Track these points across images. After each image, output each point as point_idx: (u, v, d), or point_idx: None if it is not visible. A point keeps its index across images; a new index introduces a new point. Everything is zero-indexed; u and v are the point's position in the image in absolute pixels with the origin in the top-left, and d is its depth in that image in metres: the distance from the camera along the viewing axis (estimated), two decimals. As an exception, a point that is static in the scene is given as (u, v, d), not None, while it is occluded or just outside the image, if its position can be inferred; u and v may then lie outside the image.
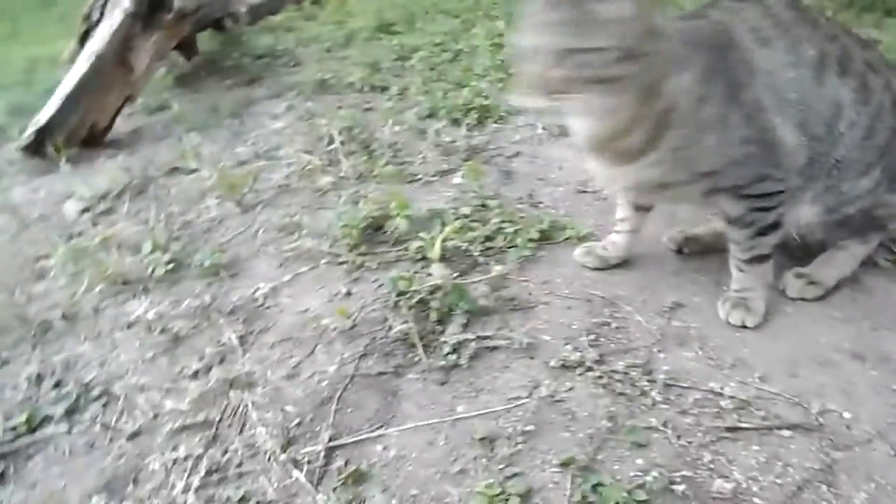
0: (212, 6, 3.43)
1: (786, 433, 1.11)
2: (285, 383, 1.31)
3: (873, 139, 1.31)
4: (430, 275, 1.49)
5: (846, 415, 1.13)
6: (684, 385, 1.21)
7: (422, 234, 1.67)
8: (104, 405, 1.31)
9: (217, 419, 1.24)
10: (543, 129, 2.36)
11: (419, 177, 2.10)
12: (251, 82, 3.31)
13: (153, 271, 1.68)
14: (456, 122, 2.47)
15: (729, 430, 1.12)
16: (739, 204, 1.27)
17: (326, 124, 2.50)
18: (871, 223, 1.39)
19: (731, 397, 1.17)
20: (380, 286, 1.56)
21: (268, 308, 1.56)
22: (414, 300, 1.45)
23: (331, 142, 2.37)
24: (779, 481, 1.02)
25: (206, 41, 3.86)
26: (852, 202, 1.33)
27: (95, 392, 1.34)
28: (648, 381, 1.22)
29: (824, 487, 1.01)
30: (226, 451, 1.17)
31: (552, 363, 1.28)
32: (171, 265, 1.70)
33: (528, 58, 1.09)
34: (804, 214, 1.35)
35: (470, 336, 1.36)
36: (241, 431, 1.21)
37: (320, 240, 1.76)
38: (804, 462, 1.05)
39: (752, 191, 1.25)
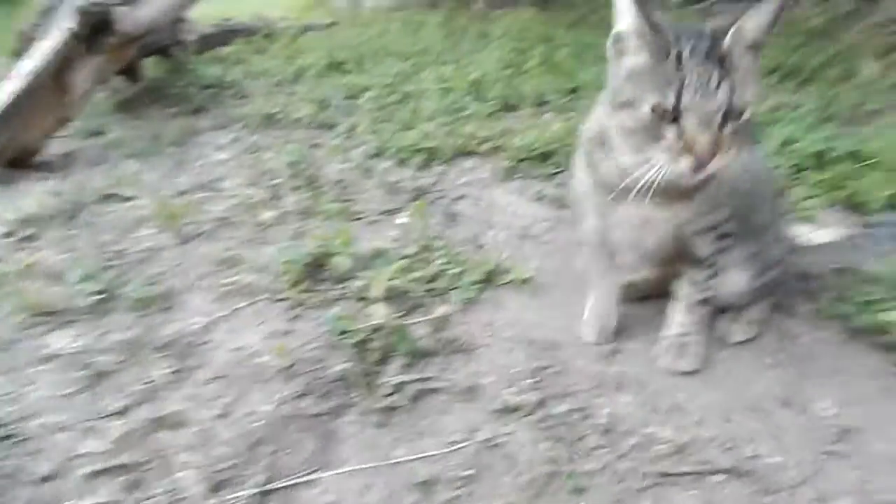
0: (159, 33, 3.37)
1: (719, 478, 1.13)
2: (217, 423, 1.25)
3: (780, 214, 1.50)
4: (371, 314, 1.47)
5: (775, 460, 1.17)
6: (622, 430, 1.23)
7: (364, 273, 1.66)
8: (14, 445, 1.21)
9: (140, 462, 1.17)
10: (488, 173, 2.41)
11: (364, 215, 2.09)
12: (196, 112, 3.25)
13: (79, 302, 1.59)
14: (402, 163, 2.49)
15: (666, 474, 1.13)
16: (714, 244, 1.33)
17: (272, 158, 2.48)
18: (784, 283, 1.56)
19: (668, 442, 1.19)
20: (320, 324, 1.53)
21: (202, 344, 1.50)
22: (355, 340, 1.42)
23: (275, 176, 2.34)
24: (712, 527, 1.04)
25: (152, 68, 3.78)
26: (773, 267, 1.46)
27: (4, 431, 1.24)
28: (588, 425, 1.23)
29: (755, 532, 1.03)
30: (148, 497, 1.10)
31: (493, 406, 1.28)
32: (99, 296, 1.62)
33: (697, 124, 1.03)
34: (737, 279, 1.43)
35: (411, 377, 1.35)
36: (165, 475, 1.14)
37: (260, 275, 1.72)
38: (735, 507, 1.08)
39: (725, 228, 1.32)
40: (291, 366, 1.40)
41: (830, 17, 4.93)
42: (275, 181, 2.32)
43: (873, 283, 1.67)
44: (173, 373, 1.38)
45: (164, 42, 3.58)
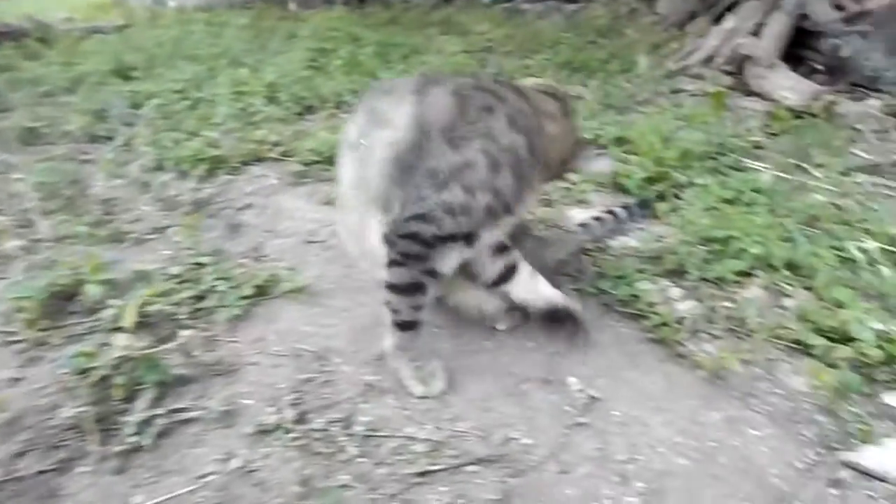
0: None
1: (472, 468, 1.14)
2: None
3: None
4: (115, 346, 1.32)
5: (526, 441, 1.21)
6: (383, 434, 1.21)
7: (120, 301, 1.50)
8: None
9: None
10: (277, 178, 2.31)
11: (132, 235, 1.90)
12: (-63, 129, 2.79)
13: None
14: (184, 174, 2.31)
15: (420, 474, 1.12)
16: None
17: (23, 179, 2.18)
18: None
19: (426, 440, 1.19)
20: (60, 365, 1.35)
21: None
22: (95, 378, 1.27)
23: (28, 199, 2.07)
24: (460, 520, 1.05)
25: None
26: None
27: None
28: (347, 435, 1.19)
29: (499, 518, 1.05)
30: None
31: (249, 430, 1.20)
32: None
33: None
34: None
35: (160, 411, 1.23)
36: None
37: (-11, 316, 1.49)
38: (484, 495, 1.09)
39: None
40: (14, 420, 1.21)
41: (614, 16, 5.42)
42: (26, 205, 2.04)
43: (628, 257, 1.82)
44: None
45: None
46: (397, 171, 1.20)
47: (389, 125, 1.23)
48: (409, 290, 1.23)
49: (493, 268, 1.40)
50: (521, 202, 1.29)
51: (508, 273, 1.42)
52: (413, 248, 1.19)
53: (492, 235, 1.28)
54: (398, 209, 1.21)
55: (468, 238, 1.22)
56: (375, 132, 1.25)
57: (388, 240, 1.21)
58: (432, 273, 1.21)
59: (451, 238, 1.19)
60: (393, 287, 1.23)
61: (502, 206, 1.23)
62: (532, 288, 1.44)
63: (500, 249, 1.40)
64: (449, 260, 1.22)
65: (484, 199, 1.18)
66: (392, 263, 1.22)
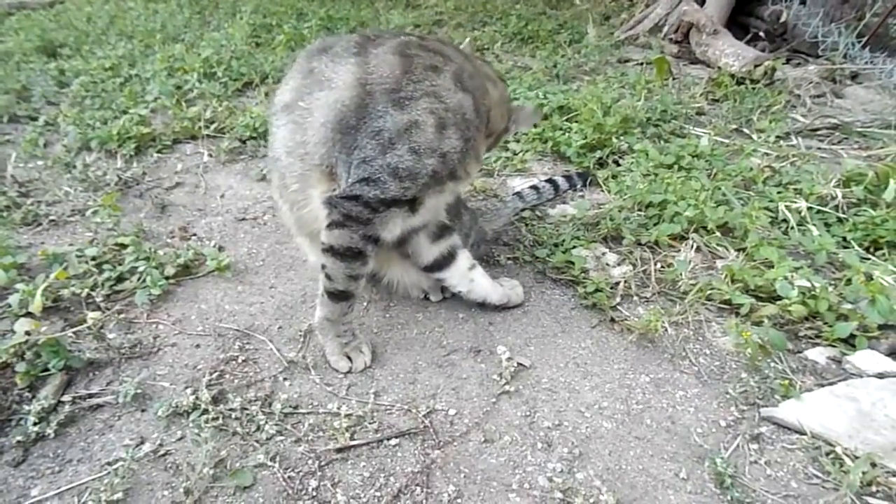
0: None
1: (394, 442, 1.12)
2: None
3: None
4: (20, 332, 1.25)
5: (451, 412, 1.18)
6: (303, 411, 1.17)
7: (30, 286, 1.42)
8: None
9: None
10: (210, 155, 2.23)
11: (51, 217, 1.80)
12: None
13: None
14: (111, 154, 2.21)
15: (340, 450, 1.09)
16: None
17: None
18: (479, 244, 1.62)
19: (348, 415, 1.15)
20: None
21: None
22: (-5, 366, 1.20)
23: (-63, 183, 1.95)
24: (379, 494, 1.02)
25: None
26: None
27: None
28: (266, 413, 1.15)
29: (419, 489, 1.03)
30: None
31: (164, 413, 1.15)
32: None
33: None
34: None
35: (67, 398, 1.17)
36: None
37: None
38: (405, 468, 1.07)
39: None
40: None
41: (564, -14, 5.37)
42: (-64, 190, 1.92)
43: (565, 225, 1.81)
44: None
45: None
46: (339, 135, 1.13)
47: (330, 86, 1.15)
48: (348, 255, 1.17)
49: (429, 253, 1.37)
50: (467, 167, 1.23)
51: (446, 260, 1.39)
52: (355, 209, 1.13)
53: (436, 202, 1.23)
54: (344, 176, 1.14)
55: (412, 203, 1.16)
56: (315, 93, 1.16)
57: (331, 201, 1.15)
58: (373, 239, 1.16)
59: (394, 203, 1.13)
60: (331, 250, 1.17)
61: (448, 171, 1.17)
62: (468, 280, 1.42)
63: (440, 234, 1.37)
64: (392, 226, 1.17)
65: (430, 162, 1.13)
66: (333, 225, 1.15)
